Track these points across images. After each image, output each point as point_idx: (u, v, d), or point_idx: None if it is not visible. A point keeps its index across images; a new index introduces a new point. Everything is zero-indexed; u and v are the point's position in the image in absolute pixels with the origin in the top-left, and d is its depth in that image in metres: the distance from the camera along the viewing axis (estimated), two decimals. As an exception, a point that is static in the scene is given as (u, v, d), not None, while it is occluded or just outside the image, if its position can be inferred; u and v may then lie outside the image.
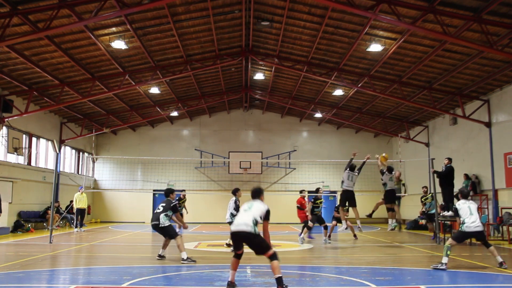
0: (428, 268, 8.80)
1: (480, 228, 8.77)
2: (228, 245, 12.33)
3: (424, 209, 16.70)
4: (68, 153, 24.13)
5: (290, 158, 26.55)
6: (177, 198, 17.77)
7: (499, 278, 7.71)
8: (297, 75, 19.50)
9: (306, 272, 8.01)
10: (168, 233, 9.56)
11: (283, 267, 8.74)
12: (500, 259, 8.64)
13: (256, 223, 6.28)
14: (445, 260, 8.36)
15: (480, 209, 16.96)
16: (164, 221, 9.47)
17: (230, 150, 26.12)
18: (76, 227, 18.19)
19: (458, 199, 9.48)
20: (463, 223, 8.74)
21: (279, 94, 23.36)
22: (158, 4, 12.17)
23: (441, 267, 8.29)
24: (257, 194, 6.81)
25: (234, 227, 6.36)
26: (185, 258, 9.09)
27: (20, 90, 17.03)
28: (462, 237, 8.95)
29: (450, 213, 14.08)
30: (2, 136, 17.01)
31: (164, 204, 9.66)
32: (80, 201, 18.14)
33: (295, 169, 26.53)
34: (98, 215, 26.25)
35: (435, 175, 13.85)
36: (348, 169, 13.17)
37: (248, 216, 6.33)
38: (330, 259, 9.88)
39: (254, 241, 6.25)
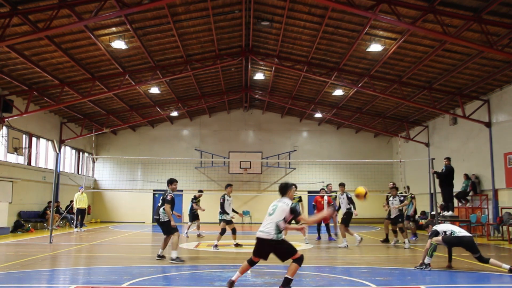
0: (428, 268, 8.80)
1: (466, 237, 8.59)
2: (237, 245, 12.32)
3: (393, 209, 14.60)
4: (68, 153, 24.13)
5: (290, 158, 26.55)
6: (193, 197, 16.95)
7: (499, 278, 7.71)
8: (297, 75, 19.49)
9: (306, 272, 8.01)
10: (167, 229, 9.35)
11: (284, 267, 8.75)
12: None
13: (279, 230, 5.93)
14: (427, 260, 8.39)
15: (480, 209, 16.98)
16: (163, 215, 9.28)
17: (230, 150, 26.13)
18: (76, 227, 18.19)
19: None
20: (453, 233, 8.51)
21: (279, 94, 23.36)
22: (158, 4, 12.16)
23: (425, 268, 8.30)
24: (283, 190, 6.27)
25: (258, 233, 6.06)
26: (174, 257, 8.95)
27: (20, 90, 17.03)
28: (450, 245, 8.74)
29: (450, 213, 14.13)
30: (2, 136, 17.00)
31: (162, 197, 9.55)
32: (80, 201, 18.13)
33: (295, 169, 26.53)
34: (98, 215, 26.25)
35: (435, 175, 13.87)
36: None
37: (270, 222, 5.99)
38: (330, 259, 9.88)
39: (278, 249, 5.95)
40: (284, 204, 6.11)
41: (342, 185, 13.48)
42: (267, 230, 5.95)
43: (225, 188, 12.98)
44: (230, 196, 12.78)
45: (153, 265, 9.07)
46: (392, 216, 13.18)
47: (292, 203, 6.13)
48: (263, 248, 6.04)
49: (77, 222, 18.20)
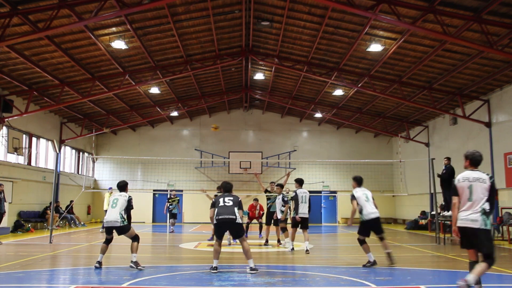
0: (428, 268, 8.81)
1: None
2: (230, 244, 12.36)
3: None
4: (68, 153, 24.13)
5: (290, 158, 26.55)
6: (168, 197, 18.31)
7: (499, 278, 7.71)
8: (297, 75, 19.49)
9: (306, 272, 8.01)
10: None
11: (284, 267, 8.76)
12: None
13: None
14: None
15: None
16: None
17: (230, 150, 26.12)
18: (102, 228, 18.04)
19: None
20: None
21: (279, 94, 23.36)
22: (158, 4, 12.17)
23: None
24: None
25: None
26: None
27: (20, 90, 17.03)
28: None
29: (450, 213, 14.11)
30: (2, 136, 17.01)
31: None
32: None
33: (295, 169, 26.49)
34: (98, 215, 26.22)
35: (439, 177, 13.93)
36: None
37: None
38: (330, 259, 9.88)
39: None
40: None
41: (280, 186, 12.74)
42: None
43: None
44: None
45: (153, 265, 9.07)
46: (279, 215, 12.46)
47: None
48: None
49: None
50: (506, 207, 15.45)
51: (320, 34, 14.69)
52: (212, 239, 14.05)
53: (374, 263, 8.51)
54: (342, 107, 23.04)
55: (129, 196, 8.72)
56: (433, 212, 16.85)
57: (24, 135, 18.68)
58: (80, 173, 25.30)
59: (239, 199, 8.24)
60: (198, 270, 8.11)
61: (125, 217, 8.50)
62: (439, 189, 14.29)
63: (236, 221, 7.95)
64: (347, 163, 25.08)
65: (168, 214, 18.47)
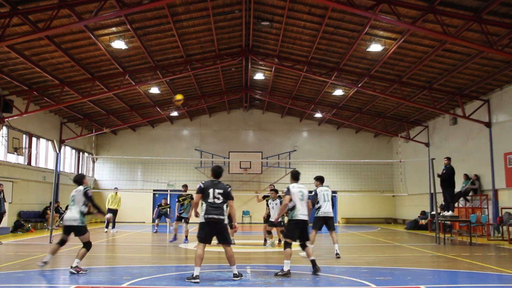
0: (428, 268, 8.81)
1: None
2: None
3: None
4: (68, 153, 24.13)
5: (290, 158, 26.55)
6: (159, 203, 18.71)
7: (499, 278, 7.71)
8: (297, 75, 19.49)
9: (306, 272, 8.01)
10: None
11: (282, 267, 8.73)
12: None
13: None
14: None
15: (480, 209, 16.98)
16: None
17: (230, 150, 26.12)
18: (106, 227, 18.20)
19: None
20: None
21: (279, 94, 23.36)
22: (158, 4, 12.17)
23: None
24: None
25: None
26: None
27: (20, 90, 17.03)
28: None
29: (450, 213, 14.13)
30: (2, 136, 17.01)
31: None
32: (113, 201, 18.13)
33: (295, 169, 26.48)
34: (98, 215, 26.22)
35: (439, 177, 13.93)
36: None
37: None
38: (330, 259, 9.87)
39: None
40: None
41: (274, 191, 12.79)
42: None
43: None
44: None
45: (153, 265, 9.08)
46: (272, 219, 12.47)
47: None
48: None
49: (109, 222, 18.16)
50: (506, 207, 15.45)
51: (320, 34, 14.69)
52: (174, 239, 13.86)
53: (288, 273, 7.48)
54: (342, 107, 23.04)
55: (85, 188, 8.09)
56: (433, 212, 16.85)
57: (24, 135, 18.68)
58: (80, 173, 25.28)
59: (229, 189, 7.34)
60: (198, 270, 8.09)
61: (84, 216, 8.06)
62: (439, 189, 14.30)
63: (224, 223, 7.22)
64: (347, 163, 25.09)
65: (157, 216, 18.71)
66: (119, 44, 14.43)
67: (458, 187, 16.48)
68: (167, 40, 15.60)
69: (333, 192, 17.87)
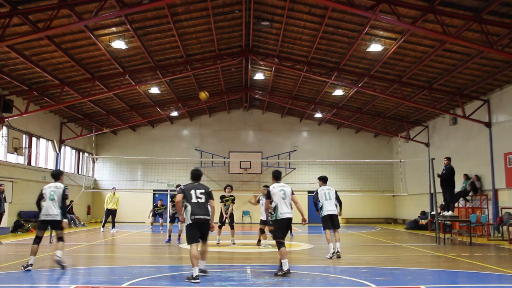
0: (428, 268, 8.81)
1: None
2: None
3: None
4: (68, 153, 24.13)
5: (290, 158, 26.55)
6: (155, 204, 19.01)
7: (499, 278, 7.71)
8: (297, 75, 19.49)
9: (306, 272, 8.01)
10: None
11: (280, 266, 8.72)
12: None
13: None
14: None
15: (480, 209, 16.99)
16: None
17: (230, 150, 26.12)
18: (103, 226, 18.43)
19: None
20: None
21: (279, 94, 23.36)
22: (158, 4, 12.17)
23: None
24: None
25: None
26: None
27: (20, 90, 17.03)
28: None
29: (450, 213, 14.13)
30: (2, 136, 17.01)
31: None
32: (111, 201, 18.27)
33: (295, 169, 26.52)
34: (98, 215, 26.21)
35: (439, 177, 13.92)
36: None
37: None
38: (330, 259, 9.87)
39: None
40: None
41: (266, 186, 12.71)
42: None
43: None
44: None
45: (153, 265, 9.07)
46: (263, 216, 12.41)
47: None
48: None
49: (105, 222, 18.37)
50: (506, 207, 15.45)
51: (320, 34, 14.68)
52: (169, 240, 13.86)
53: (288, 272, 7.45)
54: (342, 107, 23.04)
55: (65, 186, 8.57)
56: (433, 212, 16.84)
57: (24, 135, 18.68)
58: (80, 173, 25.30)
59: (210, 189, 7.55)
60: (198, 270, 8.10)
61: (62, 210, 8.37)
62: (439, 189, 14.30)
63: (209, 221, 7.36)
64: (347, 163, 25.10)
65: (152, 215, 19.07)
66: (119, 44, 14.43)
67: (458, 187, 16.49)
68: (167, 40, 15.60)
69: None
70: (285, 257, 7.55)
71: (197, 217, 7.19)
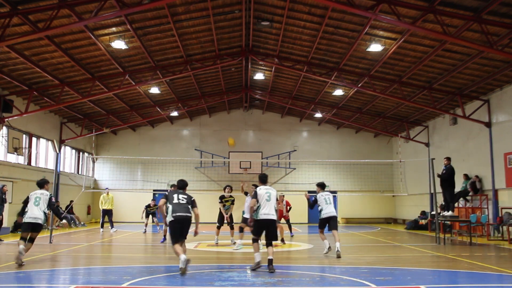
0: (428, 268, 8.81)
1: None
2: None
3: None
4: (68, 153, 24.13)
5: (290, 158, 26.55)
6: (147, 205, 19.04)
7: (499, 278, 7.71)
8: (297, 75, 19.49)
9: (306, 272, 8.01)
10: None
11: (284, 267, 8.75)
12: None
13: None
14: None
15: (480, 209, 16.99)
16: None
17: (230, 150, 26.09)
18: (102, 226, 18.48)
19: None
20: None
21: (279, 94, 23.36)
22: (158, 4, 12.16)
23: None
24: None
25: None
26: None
27: (20, 90, 17.03)
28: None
29: (450, 213, 14.13)
30: (2, 136, 17.00)
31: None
32: (106, 202, 18.34)
33: (295, 169, 26.52)
34: (98, 215, 26.14)
35: (439, 177, 13.93)
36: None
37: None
38: (330, 259, 9.87)
39: None
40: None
41: (254, 185, 12.86)
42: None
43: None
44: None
45: (153, 265, 9.07)
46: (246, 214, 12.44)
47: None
48: None
49: (103, 222, 18.44)
50: (506, 207, 15.45)
51: (320, 34, 14.68)
52: (164, 239, 13.83)
53: (258, 264, 7.94)
54: (342, 107, 23.04)
55: (50, 194, 9.35)
56: (433, 212, 16.85)
57: (24, 135, 18.68)
58: (80, 173, 25.30)
59: (193, 198, 8.18)
60: (198, 270, 8.10)
61: (46, 215, 9.14)
62: (439, 189, 14.30)
63: (191, 221, 8.00)
64: (347, 163, 25.11)
65: (145, 215, 19.07)
66: (119, 44, 14.42)
67: (458, 187, 16.49)
68: (167, 40, 15.60)
69: (333, 192, 17.86)
70: (257, 251, 8.04)
71: (178, 214, 7.79)
